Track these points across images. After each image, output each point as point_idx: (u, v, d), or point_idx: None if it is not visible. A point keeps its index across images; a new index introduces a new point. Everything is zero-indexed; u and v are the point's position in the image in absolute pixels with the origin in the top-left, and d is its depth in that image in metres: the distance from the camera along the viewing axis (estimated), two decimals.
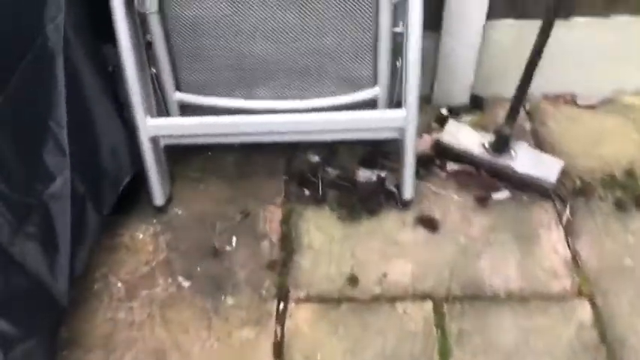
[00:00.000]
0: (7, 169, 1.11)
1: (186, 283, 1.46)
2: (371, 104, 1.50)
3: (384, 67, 1.44)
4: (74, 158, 1.28)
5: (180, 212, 1.60)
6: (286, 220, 1.56)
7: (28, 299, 1.15)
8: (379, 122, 1.45)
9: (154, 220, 1.58)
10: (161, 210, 1.58)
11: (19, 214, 1.14)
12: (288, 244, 1.51)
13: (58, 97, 1.24)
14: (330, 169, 1.65)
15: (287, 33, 1.40)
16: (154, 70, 1.46)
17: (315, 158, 1.69)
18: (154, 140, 1.48)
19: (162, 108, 1.51)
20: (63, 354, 1.32)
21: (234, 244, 1.52)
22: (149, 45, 1.42)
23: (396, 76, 1.46)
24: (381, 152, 1.66)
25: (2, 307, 1.07)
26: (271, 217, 1.57)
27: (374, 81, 1.47)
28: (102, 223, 1.41)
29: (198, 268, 1.48)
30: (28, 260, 1.15)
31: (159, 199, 1.56)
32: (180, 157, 1.67)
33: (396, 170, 1.59)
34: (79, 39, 1.29)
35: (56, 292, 1.22)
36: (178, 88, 1.50)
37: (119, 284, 1.46)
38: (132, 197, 1.56)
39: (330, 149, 1.68)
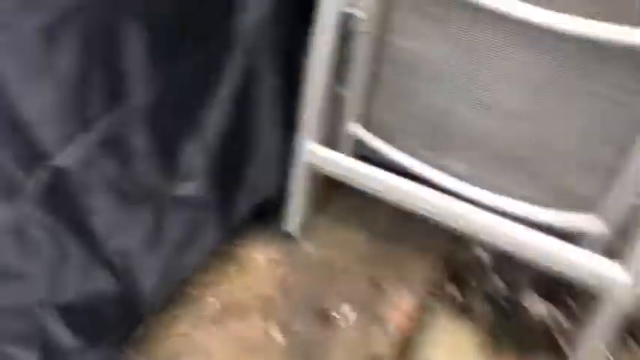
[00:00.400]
0: (132, 159, 0.96)
1: (278, 337, 1.25)
2: (577, 233, 1.14)
3: (620, 197, 1.07)
4: (216, 162, 1.11)
5: (308, 249, 1.38)
6: (416, 317, 1.27)
7: (105, 303, 1.01)
8: (581, 268, 1.08)
9: (279, 246, 1.38)
10: (289, 237, 1.38)
11: (129, 211, 0.99)
12: (407, 350, 1.23)
13: (221, 89, 1.07)
14: (495, 278, 1.32)
15: (512, 110, 1.08)
16: (340, 92, 1.23)
17: (483, 255, 1.36)
18: (308, 166, 1.26)
19: (331, 135, 1.29)
20: (127, 352, 1.19)
21: (347, 315, 1.28)
22: (344, 61, 1.19)
23: (630, 214, 1.08)
24: (567, 285, 1.29)
25: (70, 311, 0.93)
26: (401, 304, 1.29)
27: (595, 208, 1.11)
28: (222, 237, 1.24)
29: (299, 326, 1.26)
30: (119, 261, 1.01)
31: (292, 227, 1.36)
32: (332, 185, 1.43)
33: (580, 320, 1.21)
34: (276, 24, 1.10)
35: (141, 300, 1.08)
36: (358, 120, 1.26)
37: (212, 300, 1.29)
38: (266, 207, 1.37)
39: (506, 253, 1.34)
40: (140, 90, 0.90)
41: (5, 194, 0.77)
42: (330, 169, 1.27)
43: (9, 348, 0.84)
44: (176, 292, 1.26)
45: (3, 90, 0.70)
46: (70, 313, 0.94)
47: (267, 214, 1.36)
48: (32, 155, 0.78)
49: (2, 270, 0.80)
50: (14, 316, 0.85)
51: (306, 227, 1.40)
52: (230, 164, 1.17)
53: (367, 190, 1.27)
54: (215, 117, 1.08)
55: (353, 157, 1.27)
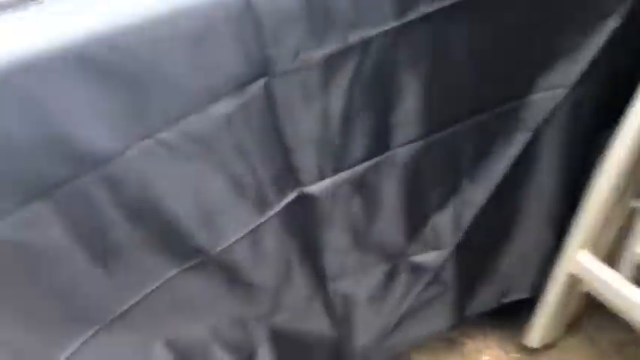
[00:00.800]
0: (378, 210, 0.95)
1: None
2: None
3: None
4: (467, 240, 1.04)
5: None
6: None
7: (315, 343, 1.02)
8: None
9: (512, 353, 1.22)
10: (529, 350, 1.21)
11: (361, 259, 0.98)
12: None
13: (492, 166, 0.99)
14: None
15: None
16: (633, 204, 1.05)
17: None
18: (573, 279, 1.09)
19: (610, 250, 1.10)
20: None
21: None
22: None
23: None
24: None
25: (281, 336, 0.95)
26: None
27: None
28: (452, 322, 1.14)
29: None
30: (341, 306, 1.01)
31: (535, 341, 1.19)
32: (595, 305, 1.21)
33: None
34: (573, 112, 0.99)
35: (350, 355, 1.06)
36: None
37: None
38: (511, 307, 1.22)
39: None
40: (404, 145, 0.89)
41: (257, 206, 0.82)
42: (598, 289, 1.07)
43: (217, 350, 0.89)
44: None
45: (275, 113, 0.75)
46: (280, 339, 0.95)
47: (510, 314, 1.22)
48: (287, 178, 0.83)
49: (234, 272, 0.85)
50: (232, 322, 0.90)
51: (550, 342, 1.21)
52: (482, 248, 1.08)
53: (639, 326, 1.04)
54: (478, 193, 1.00)
55: (633, 283, 1.06)
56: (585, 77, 0.96)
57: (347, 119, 0.81)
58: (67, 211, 0.65)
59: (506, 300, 1.17)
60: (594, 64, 0.94)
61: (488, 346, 1.24)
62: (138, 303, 0.78)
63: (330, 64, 0.75)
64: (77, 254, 0.68)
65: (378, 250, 0.99)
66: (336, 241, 0.93)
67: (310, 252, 0.91)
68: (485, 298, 1.15)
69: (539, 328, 1.19)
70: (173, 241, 0.76)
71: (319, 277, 0.94)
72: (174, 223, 0.74)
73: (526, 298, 1.17)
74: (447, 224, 1.01)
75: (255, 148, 0.77)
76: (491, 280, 1.12)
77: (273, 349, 0.95)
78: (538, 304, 1.17)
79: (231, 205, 0.79)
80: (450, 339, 1.24)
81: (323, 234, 0.91)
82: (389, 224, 0.96)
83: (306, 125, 0.79)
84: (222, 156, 0.74)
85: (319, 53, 0.73)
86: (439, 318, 1.12)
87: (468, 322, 1.23)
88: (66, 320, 0.72)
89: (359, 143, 0.85)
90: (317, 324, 0.99)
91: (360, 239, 0.95)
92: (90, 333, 0.75)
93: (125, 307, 0.77)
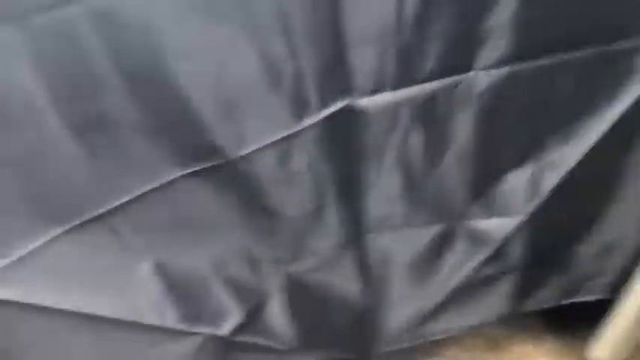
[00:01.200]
0: (440, 157, 0.76)
1: None
2: None
3: None
4: (544, 211, 0.84)
5: None
6: None
7: (337, 305, 0.84)
8: None
9: None
10: None
11: (410, 211, 0.79)
12: None
13: (594, 122, 0.79)
14: None
15: None
16: None
17: None
18: None
19: None
20: None
21: None
22: None
23: None
24: None
25: (300, 289, 0.78)
26: None
27: None
28: (506, 313, 0.95)
29: None
30: (378, 262, 0.82)
31: (599, 358, 0.98)
32: None
33: None
34: None
35: (377, 328, 0.88)
36: None
37: None
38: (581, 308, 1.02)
39: None
40: (486, 68, 0.69)
41: (293, 106, 0.64)
42: None
43: (218, 289, 0.71)
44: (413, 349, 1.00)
45: (290, 39, 0.58)
46: (297, 292, 0.77)
47: (572, 319, 1.01)
48: (336, 79, 0.64)
49: (254, 192, 0.67)
50: (242, 258, 0.72)
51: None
52: (560, 226, 0.87)
53: None
54: (568, 154, 0.80)
55: None
56: None
57: (424, 16, 0.63)
58: (41, 48, 0.49)
59: (575, 298, 0.96)
60: None
61: (539, 356, 1.03)
62: (126, 205, 0.61)
63: None
64: (47, 114, 0.52)
65: (433, 203, 0.80)
66: (383, 180, 0.74)
67: (350, 187, 0.73)
68: (551, 292, 0.95)
69: (608, 342, 0.98)
70: (180, 129, 0.59)
71: (356, 222, 0.76)
72: (183, 102, 0.57)
73: (598, 302, 0.97)
74: (522, 187, 0.81)
75: (302, 27, 0.59)
76: (563, 268, 0.92)
77: (286, 303, 0.77)
78: (611, 312, 0.96)
79: (262, 96, 0.61)
80: (492, 338, 1.05)
81: (369, 167, 0.72)
82: (452, 172, 0.77)
83: (371, 11, 0.60)
84: (259, 25, 0.57)
85: None
86: (492, 305, 0.92)
87: (519, 320, 1.03)
88: (29, 204, 0.55)
89: (434, 52, 0.66)
90: (345, 282, 0.80)
91: (414, 184, 0.76)
92: (60, 230, 0.58)
93: (108, 206, 0.60)
